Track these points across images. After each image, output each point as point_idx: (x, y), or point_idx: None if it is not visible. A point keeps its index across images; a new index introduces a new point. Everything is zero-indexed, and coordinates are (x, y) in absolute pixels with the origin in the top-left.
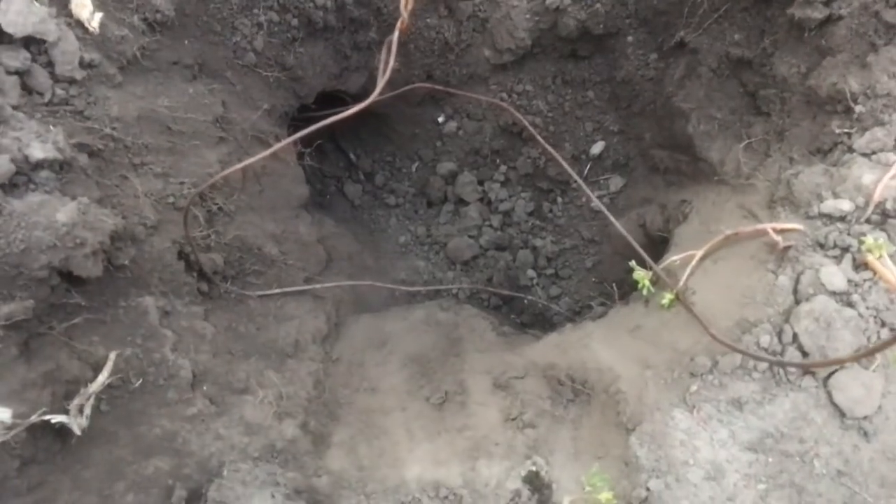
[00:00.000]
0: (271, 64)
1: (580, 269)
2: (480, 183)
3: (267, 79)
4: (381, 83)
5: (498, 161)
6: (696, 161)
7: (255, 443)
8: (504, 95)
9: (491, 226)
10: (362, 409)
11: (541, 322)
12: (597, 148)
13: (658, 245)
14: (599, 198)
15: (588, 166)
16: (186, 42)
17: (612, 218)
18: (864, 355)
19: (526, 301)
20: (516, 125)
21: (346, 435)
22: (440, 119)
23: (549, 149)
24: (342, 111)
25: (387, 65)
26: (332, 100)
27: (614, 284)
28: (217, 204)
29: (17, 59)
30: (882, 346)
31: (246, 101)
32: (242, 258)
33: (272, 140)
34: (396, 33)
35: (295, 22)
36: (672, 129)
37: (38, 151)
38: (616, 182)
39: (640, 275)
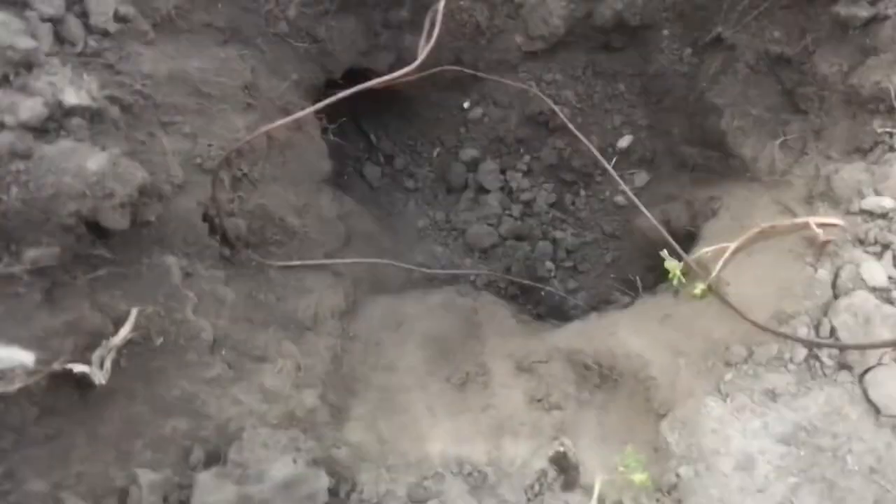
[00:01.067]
0: (302, 35)
1: (599, 264)
2: (502, 171)
3: (297, 50)
4: (426, 49)
5: (522, 150)
6: (727, 157)
7: (274, 410)
8: (533, 84)
9: (511, 215)
10: (381, 386)
11: (556, 314)
12: (624, 142)
13: (682, 242)
14: (623, 193)
15: (614, 160)
16: (220, 5)
17: (642, 208)
18: None
19: (543, 293)
20: (543, 114)
21: (364, 410)
22: (465, 105)
23: (580, 136)
24: (373, 82)
25: (431, 34)
26: (358, 79)
27: (638, 277)
28: (242, 170)
29: (52, 5)
30: None
31: (275, 70)
32: (264, 227)
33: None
34: (442, 2)
35: None
36: (703, 125)
37: (72, 97)
38: (641, 177)
39: (672, 265)
